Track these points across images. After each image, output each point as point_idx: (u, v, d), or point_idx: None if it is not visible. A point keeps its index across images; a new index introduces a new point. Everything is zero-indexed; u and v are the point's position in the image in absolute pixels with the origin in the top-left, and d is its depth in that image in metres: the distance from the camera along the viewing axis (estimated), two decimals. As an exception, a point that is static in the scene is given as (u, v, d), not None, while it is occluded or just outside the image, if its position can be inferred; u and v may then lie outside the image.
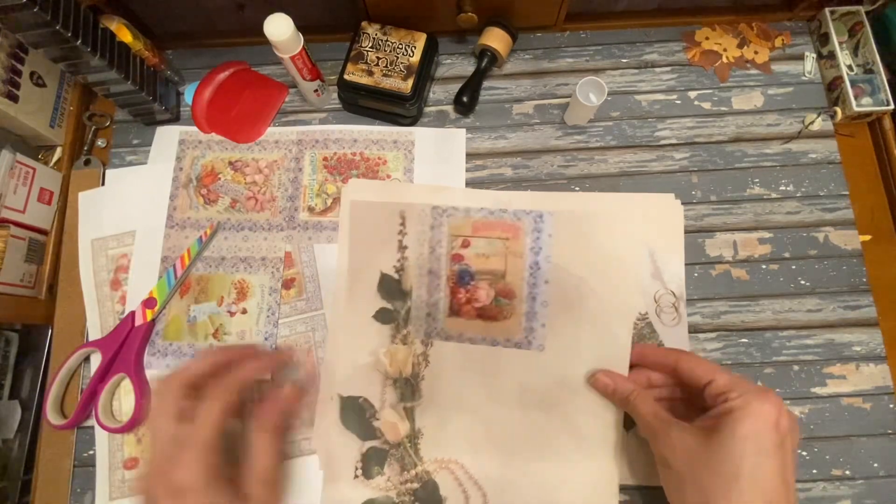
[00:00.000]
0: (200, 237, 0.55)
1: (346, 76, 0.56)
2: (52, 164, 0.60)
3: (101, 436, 0.52)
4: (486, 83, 0.61)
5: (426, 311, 0.50)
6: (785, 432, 0.35)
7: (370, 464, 0.48)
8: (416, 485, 0.47)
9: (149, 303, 0.53)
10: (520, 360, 0.48)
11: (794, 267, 0.55)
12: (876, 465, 0.49)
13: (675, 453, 0.37)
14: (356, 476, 0.48)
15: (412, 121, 0.59)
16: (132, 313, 0.53)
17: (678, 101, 0.60)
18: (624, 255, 0.49)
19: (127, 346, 0.51)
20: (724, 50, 0.61)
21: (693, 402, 0.42)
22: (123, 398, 0.52)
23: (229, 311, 0.54)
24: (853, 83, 0.57)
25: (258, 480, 0.32)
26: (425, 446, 0.48)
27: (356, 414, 0.49)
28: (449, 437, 0.48)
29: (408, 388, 0.49)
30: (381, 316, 0.51)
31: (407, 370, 0.50)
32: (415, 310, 0.50)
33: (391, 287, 0.51)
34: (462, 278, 0.50)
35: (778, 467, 0.34)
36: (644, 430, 0.41)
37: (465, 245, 0.50)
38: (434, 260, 0.50)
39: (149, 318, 0.52)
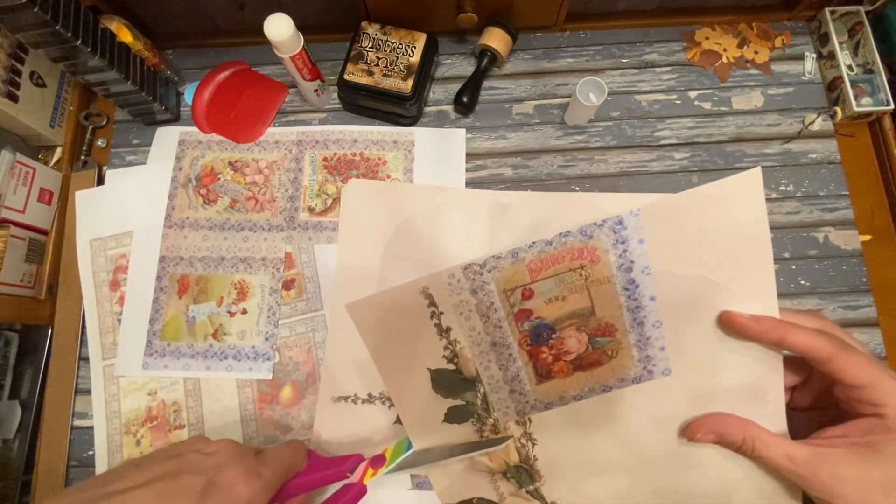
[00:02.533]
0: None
1: (346, 76, 0.56)
2: (52, 164, 0.60)
3: (100, 437, 0.52)
4: (486, 83, 0.61)
5: (508, 388, 0.40)
6: None
7: None
8: None
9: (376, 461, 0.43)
10: (645, 395, 0.38)
11: (794, 267, 0.55)
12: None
13: (849, 486, 0.31)
14: None
15: (412, 121, 0.59)
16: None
17: (678, 101, 0.60)
18: (746, 225, 0.36)
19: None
20: (724, 50, 0.61)
21: None
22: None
23: (229, 312, 0.54)
24: (853, 83, 0.57)
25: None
26: None
27: None
28: (592, 498, 0.42)
29: (522, 474, 0.42)
30: (454, 416, 0.42)
31: (513, 458, 0.42)
32: (492, 393, 0.40)
33: (450, 381, 0.41)
34: (539, 336, 0.38)
35: None
36: (788, 477, 0.33)
37: (528, 296, 0.38)
38: (493, 329, 0.39)
39: (367, 478, 0.42)
